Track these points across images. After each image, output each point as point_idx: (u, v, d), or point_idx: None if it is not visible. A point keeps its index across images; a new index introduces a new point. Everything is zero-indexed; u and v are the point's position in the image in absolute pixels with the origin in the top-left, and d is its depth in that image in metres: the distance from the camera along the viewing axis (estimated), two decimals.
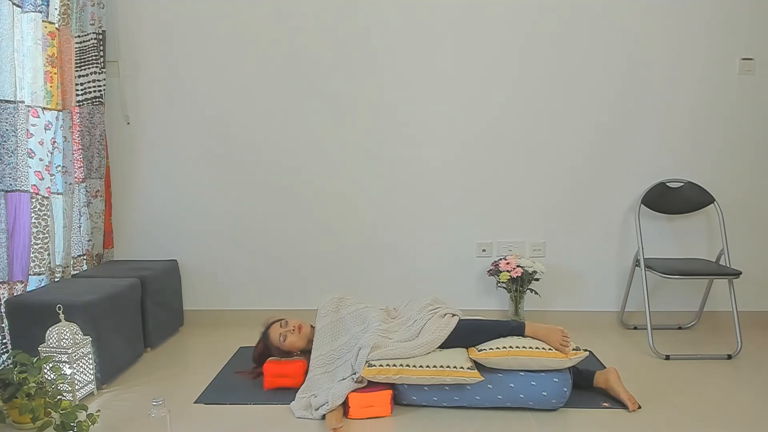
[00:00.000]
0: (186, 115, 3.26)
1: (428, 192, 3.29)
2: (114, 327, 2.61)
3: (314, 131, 3.26)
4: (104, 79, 3.18)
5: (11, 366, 2.26)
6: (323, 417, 2.20)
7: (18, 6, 2.54)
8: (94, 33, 3.09)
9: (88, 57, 3.08)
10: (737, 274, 2.82)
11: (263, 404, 2.35)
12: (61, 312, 2.35)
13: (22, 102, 2.57)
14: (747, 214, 3.25)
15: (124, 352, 2.71)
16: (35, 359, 2.21)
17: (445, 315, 2.44)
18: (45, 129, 2.76)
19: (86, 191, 3.14)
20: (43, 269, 2.70)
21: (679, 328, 3.29)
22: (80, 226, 3.08)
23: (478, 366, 2.28)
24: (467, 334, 2.38)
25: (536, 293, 3.22)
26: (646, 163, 3.22)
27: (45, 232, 2.70)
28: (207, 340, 3.16)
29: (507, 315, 3.26)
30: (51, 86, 2.77)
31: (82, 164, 3.09)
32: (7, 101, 2.48)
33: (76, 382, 2.33)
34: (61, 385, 2.26)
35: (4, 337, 2.47)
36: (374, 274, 3.35)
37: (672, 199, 3.20)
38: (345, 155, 3.27)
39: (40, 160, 2.74)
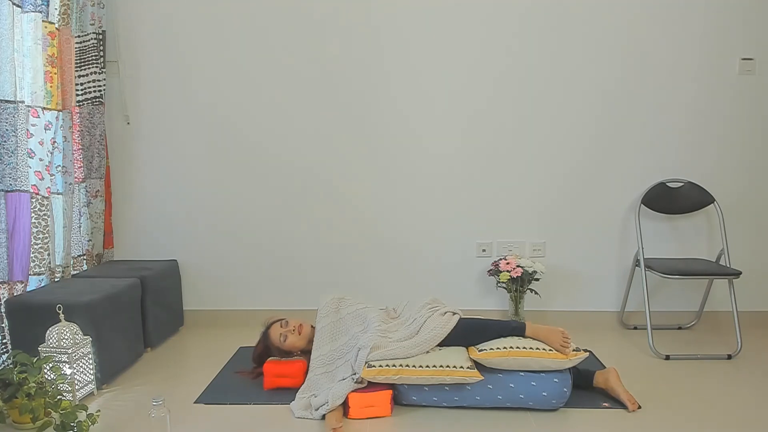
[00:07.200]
0: (186, 115, 3.26)
1: (429, 192, 3.29)
2: (114, 327, 2.61)
3: (314, 132, 3.25)
4: (104, 79, 3.18)
5: (11, 366, 2.26)
6: (323, 417, 2.20)
7: (18, 6, 2.54)
8: (94, 33, 3.08)
9: (88, 57, 3.08)
10: (737, 274, 2.82)
11: (263, 404, 2.35)
12: (61, 312, 2.35)
13: (22, 102, 2.57)
14: (747, 214, 3.25)
15: (124, 352, 2.71)
16: (35, 359, 2.21)
17: (445, 313, 2.44)
18: (45, 129, 2.76)
19: (86, 191, 3.14)
20: (43, 269, 2.70)
21: (679, 328, 3.29)
22: (80, 226, 3.08)
23: (478, 366, 2.28)
24: (467, 333, 2.38)
25: (536, 293, 3.22)
26: (646, 163, 3.22)
27: (45, 232, 2.70)
28: (207, 340, 3.16)
29: (507, 315, 3.26)
30: (51, 86, 2.77)
31: (82, 164, 3.09)
32: (7, 101, 2.48)
33: (76, 382, 2.33)
34: (61, 385, 2.26)
35: (4, 337, 2.47)
36: (375, 274, 3.35)
37: (672, 199, 3.20)
38: (345, 157, 3.27)
39: (40, 160, 2.73)
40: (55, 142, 2.83)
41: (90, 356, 2.41)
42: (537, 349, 2.26)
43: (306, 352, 2.57)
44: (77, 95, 3.06)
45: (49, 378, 2.23)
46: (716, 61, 3.14)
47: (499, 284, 3.19)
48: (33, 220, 2.64)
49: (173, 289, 3.27)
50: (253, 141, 3.27)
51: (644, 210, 3.21)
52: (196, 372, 2.71)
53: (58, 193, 2.87)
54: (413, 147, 3.26)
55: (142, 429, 2.16)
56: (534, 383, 2.24)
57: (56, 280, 2.84)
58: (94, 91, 3.13)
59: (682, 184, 3.21)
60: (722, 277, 2.89)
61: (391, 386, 2.29)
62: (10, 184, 2.52)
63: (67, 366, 2.29)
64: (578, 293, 3.34)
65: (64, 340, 2.30)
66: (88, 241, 3.14)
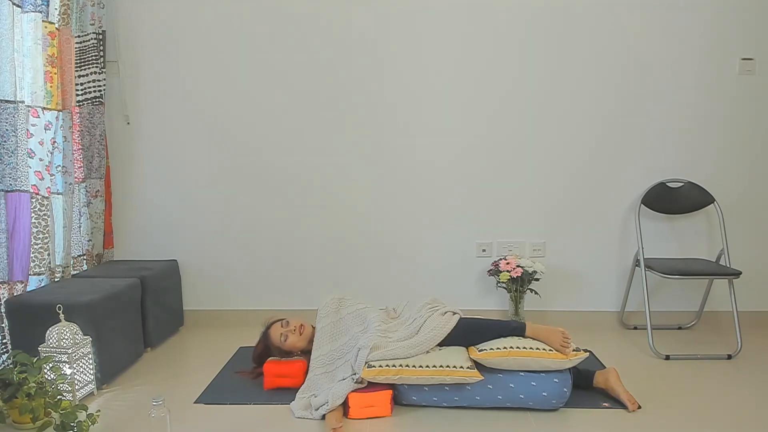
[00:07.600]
0: (186, 115, 3.26)
1: (428, 192, 3.29)
2: (114, 327, 2.61)
3: (314, 131, 3.26)
4: (104, 79, 3.18)
5: (11, 366, 2.26)
6: (323, 417, 2.20)
7: (18, 6, 2.54)
8: (94, 33, 3.08)
9: (88, 57, 3.08)
10: (737, 274, 2.82)
11: (263, 404, 2.35)
12: (61, 312, 2.35)
13: (22, 102, 2.57)
14: (747, 214, 3.25)
15: (124, 352, 2.71)
16: (35, 359, 2.21)
17: (445, 313, 2.44)
18: (45, 129, 2.76)
19: (86, 191, 3.14)
20: (43, 269, 2.70)
21: (679, 328, 3.29)
22: (80, 226, 3.08)
23: (478, 366, 2.28)
24: (467, 332, 2.38)
25: (536, 293, 3.22)
26: (646, 163, 3.22)
27: (45, 232, 2.70)
28: (207, 340, 3.16)
29: (507, 315, 3.26)
30: (51, 86, 2.77)
31: (82, 164, 3.09)
32: (7, 101, 2.48)
33: (76, 382, 2.33)
34: (61, 385, 2.26)
35: (4, 337, 2.47)
36: (374, 274, 3.35)
37: (672, 199, 3.20)
38: (345, 155, 3.27)
39: (40, 160, 2.73)
40: (55, 142, 2.83)
41: (90, 356, 2.41)
42: (537, 349, 2.26)
43: (306, 352, 2.57)
44: (77, 95, 3.06)
45: (49, 378, 2.23)
46: (716, 61, 3.14)
47: (499, 284, 3.19)
48: (33, 220, 2.64)
49: (173, 289, 3.27)
50: (253, 141, 3.27)
51: (644, 210, 3.21)
52: (196, 372, 2.71)
53: (58, 193, 2.87)
54: (413, 147, 3.26)
55: (142, 429, 2.16)
56: (534, 383, 2.24)
57: (56, 280, 2.84)
58: (94, 91, 3.13)
59: (682, 184, 3.21)
60: (722, 277, 2.89)
61: (391, 386, 2.29)
62: (10, 184, 2.52)
63: (67, 366, 2.29)
64: (578, 293, 3.34)
65: (64, 340, 2.30)
66: (88, 241, 3.14)
